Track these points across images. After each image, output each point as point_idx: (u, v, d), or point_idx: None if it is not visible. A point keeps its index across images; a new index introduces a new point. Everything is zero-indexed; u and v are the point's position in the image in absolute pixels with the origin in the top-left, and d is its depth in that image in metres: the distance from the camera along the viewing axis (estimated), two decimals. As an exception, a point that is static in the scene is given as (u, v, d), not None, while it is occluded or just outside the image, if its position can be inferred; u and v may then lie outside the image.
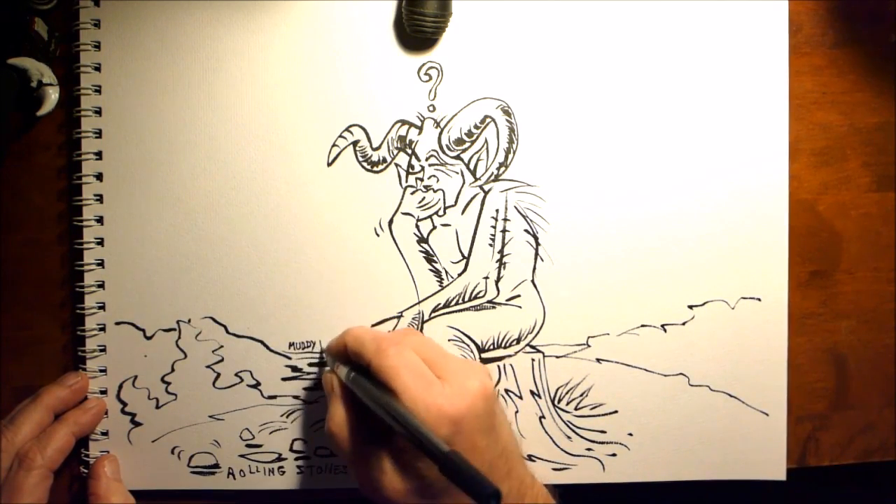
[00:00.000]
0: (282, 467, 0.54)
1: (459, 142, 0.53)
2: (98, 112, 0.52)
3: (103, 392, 0.53)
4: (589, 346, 0.54)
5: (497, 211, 0.53)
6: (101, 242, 0.52)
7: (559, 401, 0.54)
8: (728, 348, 0.54)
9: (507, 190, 0.53)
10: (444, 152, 0.53)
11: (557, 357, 0.54)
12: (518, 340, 0.54)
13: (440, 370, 0.46)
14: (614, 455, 0.54)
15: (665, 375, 0.54)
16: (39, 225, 0.53)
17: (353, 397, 0.47)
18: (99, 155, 0.52)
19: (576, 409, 0.54)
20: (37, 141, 0.53)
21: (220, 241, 0.53)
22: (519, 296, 0.54)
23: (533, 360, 0.54)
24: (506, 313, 0.54)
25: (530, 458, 0.54)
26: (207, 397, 0.53)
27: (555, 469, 0.54)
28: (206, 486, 0.54)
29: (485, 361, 0.54)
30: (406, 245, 0.53)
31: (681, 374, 0.54)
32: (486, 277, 0.54)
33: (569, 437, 0.54)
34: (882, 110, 0.55)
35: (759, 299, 0.54)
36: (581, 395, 0.54)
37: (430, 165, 0.53)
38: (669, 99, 0.53)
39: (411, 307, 0.53)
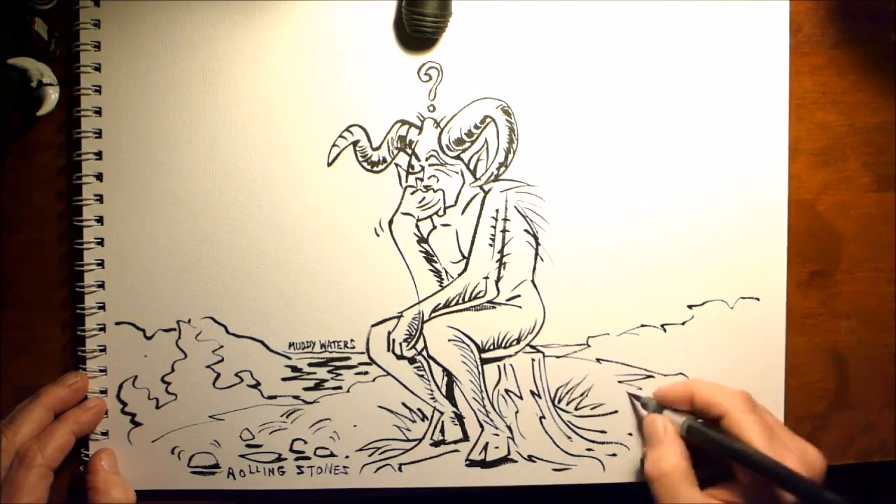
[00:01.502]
0: (282, 467, 0.54)
1: (459, 142, 0.53)
2: (98, 112, 0.52)
3: (103, 392, 0.53)
4: (589, 346, 0.54)
5: (497, 211, 0.53)
6: (101, 242, 0.52)
7: (559, 401, 0.54)
8: (727, 348, 0.54)
9: (507, 190, 0.53)
10: (444, 152, 0.53)
11: (557, 357, 0.54)
12: (518, 340, 0.54)
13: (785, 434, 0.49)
14: (614, 455, 0.54)
15: (665, 375, 0.54)
16: (39, 225, 0.53)
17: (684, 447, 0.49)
18: (99, 155, 0.52)
19: (576, 409, 0.54)
20: (37, 141, 0.53)
21: (220, 241, 0.53)
22: (519, 296, 0.54)
23: (533, 360, 0.54)
24: (506, 313, 0.54)
25: (531, 458, 0.54)
26: (207, 397, 0.53)
27: (555, 469, 0.54)
28: (206, 486, 0.54)
29: (485, 362, 0.54)
30: (406, 245, 0.53)
31: (681, 374, 0.54)
32: (486, 277, 0.54)
33: (569, 437, 0.54)
34: (882, 110, 0.55)
35: (759, 299, 0.54)
36: (581, 395, 0.54)
37: (430, 165, 0.53)
38: (669, 99, 0.53)
39: (411, 307, 0.53)
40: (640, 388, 0.54)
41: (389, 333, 0.53)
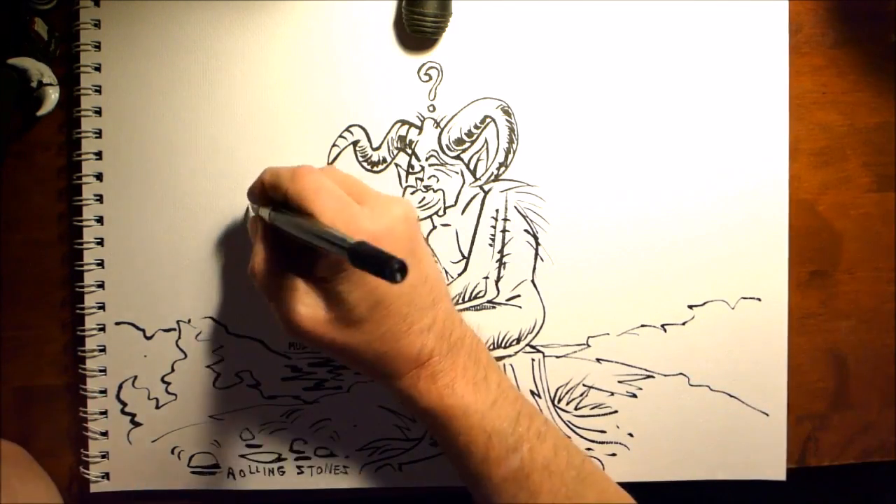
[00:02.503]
0: (282, 467, 0.54)
1: (459, 142, 0.53)
2: (98, 112, 0.52)
3: (103, 392, 0.53)
4: (589, 346, 0.54)
5: (497, 211, 0.53)
6: (101, 242, 0.52)
7: (559, 401, 0.54)
8: (728, 348, 0.54)
9: (507, 190, 0.53)
10: (444, 152, 0.53)
11: (557, 357, 0.54)
12: (518, 340, 0.54)
13: (361, 197, 0.45)
14: (614, 455, 0.54)
15: (665, 375, 0.54)
16: (39, 225, 0.53)
17: (277, 240, 0.46)
18: (99, 155, 0.52)
19: (576, 409, 0.54)
20: (37, 141, 0.53)
21: (220, 241, 0.53)
22: (519, 296, 0.54)
23: (533, 360, 0.54)
24: (506, 313, 0.54)
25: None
26: (207, 397, 0.53)
27: (555, 469, 0.54)
28: (206, 486, 0.54)
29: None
30: (406, 245, 0.53)
31: (681, 374, 0.54)
32: (486, 277, 0.54)
33: (569, 437, 0.54)
34: (882, 110, 0.55)
35: (760, 299, 0.54)
36: (581, 395, 0.54)
37: (430, 165, 0.53)
38: (669, 99, 0.53)
39: (411, 307, 0.53)
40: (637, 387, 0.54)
41: (389, 333, 0.53)
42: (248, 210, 0.52)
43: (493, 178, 0.53)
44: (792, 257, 0.54)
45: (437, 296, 0.47)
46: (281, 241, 0.46)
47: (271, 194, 0.46)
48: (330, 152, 0.53)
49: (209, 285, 0.53)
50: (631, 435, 0.54)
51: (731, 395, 0.54)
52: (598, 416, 0.54)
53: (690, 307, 0.54)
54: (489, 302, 0.54)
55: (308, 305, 0.44)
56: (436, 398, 0.46)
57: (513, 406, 0.48)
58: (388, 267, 0.34)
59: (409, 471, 0.54)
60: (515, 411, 0.47)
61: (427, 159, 0.53)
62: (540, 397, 0.54)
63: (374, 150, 0.53)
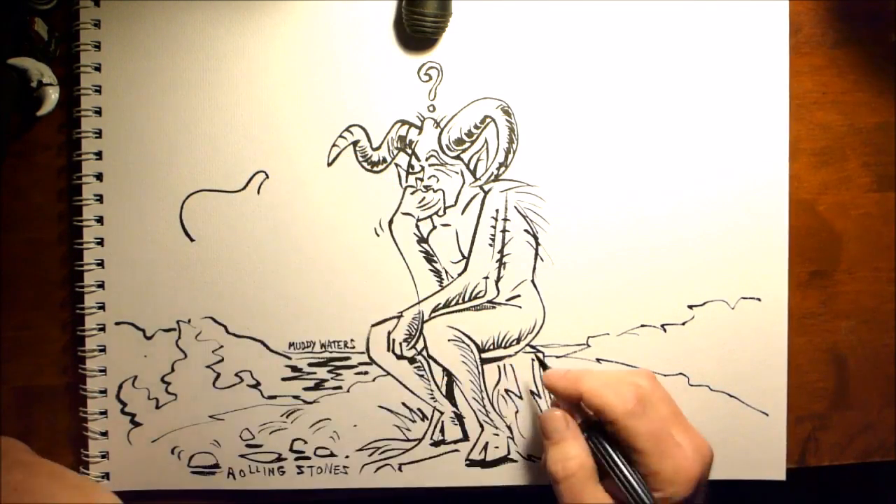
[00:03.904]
0: (282, 467, 0.54)
1: (459, 142, 0.53)
2: (98, 112, 0.52)
3: (103, 392, 0.53)
4: (589, 346, 0.54)
5: (497, 211, 0.53)
6: (101, 242, 0.52)
7: (559, 401, 0.54)
8: (728, 348, 0.54)
9: (507, 190, 0.53)
10: (444, 152, 0.53)
11: (557, 357, 0.54)
12: (518, 340, 0.54)
13: (677, 427, 0.48)
14: (614, 455, 0.54)
15: (665, 375, 0.54)
16: (39, 225, 0.53)
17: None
18: (99, 155, 0.52)
19: (576, 409, 0.54)
20: (37, 141, 0.53)
21: (220, 241, 0.53)
22: (519, 296, 0.54)
23: (533, 360, 0.54)
24: (506, 313, 0.54)
25: (530, 458, 0.54)
26: (207, 397, 0.53)
27: (555, 469, 0.54)
28: (206, 486, 0.54)
29: (485, 361, 0.54)
30: (406, 245, 0.53)
31: (681, 373, 0.54)
32: (486, 277, 0.54)
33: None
34: (882, 110, 0.55)
35: (759, 299, 0.54)
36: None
37: (430, 165, 0.53)
38: (669, 99, 0.53)
39: (411, 307, 0.53)
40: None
41: (389, 333, 0.53)
42: (534, 395, 0.53)
43: (493, 178, 0.53)
44: (792, 257, 0.54)
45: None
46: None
47: (590, 409, 0.48)
48: (330, 152, 0.53)
49: (209, 285, 0.53)
50: (631, 435, 0.54)
51: (730, 395, 0.54)
52: (598, 416, 0.54)
53: (690, 307, 0.54)
54: (489, 302, 0.54)
55: None
56: None
57: None
58: None
59: (409, 471, 0.54)
60: None
61: (427, 159, 0.53)
62: (540, 397, 0.54)
63: (374, 150, 0.53)
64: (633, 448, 0.46)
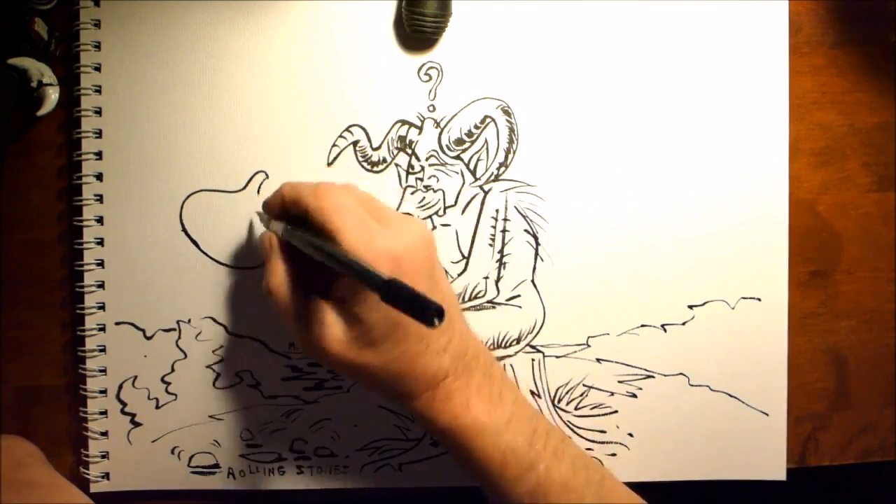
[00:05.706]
0: (282, 467, 0.54)
1: (459, 142, 0.53)
2: (98, 112, 0.52)
3: (103, 392, 0.53)
4: (589, 346, 0.54)
5: (497, 211, 0.53)
6: (101, 242, 0.52)
7: (559, 401, 0.54)
8: (728, 348, 0.54)
9: (507, 190, 0.53)
10: (444, 152, 0.53)
11: (557, 357, 0.54)
12: (518, 340, 0.54)
13: (380, 216, 0.45)
14: (614, 455, 0.54)
15: (665, 375, 0.54)
16: (39, 225, 0.53)
17: (292, 254, 0.46)
18: (99, 155, 0.52)
19: (576, 409, 0.54)
20: (37, 141, 0.53)
21: (220, 241, 0.52)
22: (519, 296, 0.54)
23: (533, 360, 0.54)
24: (506, 313, 0.54)
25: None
26: (207, 397, 0.53)
27: (555, 469, 0.54)
28: (206, 486, 0.54)
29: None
30: (406, 245, 0.53)
31: (681, 374, 0.54)
32: (486, 277, 0.54)
33: (569, 437, 0.54)
34: (882, 110, 0.55)
35: (760, 299, 0.54)
36: (581, 395, 0.54)
37: (430, 165, 0.53)
38: (669, 99, 0.53)
39: (411, 307, 0.53)
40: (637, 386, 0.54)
41: (389, 333, 0.53)
42: (254, 222, 0.52)
43: (493, 178, 0.53)
44: (792, 257, 0.54)
45: (451, 316, 0.47)
46: (296, 257, 0.46)
47: (290, 209, 0.46)
48: (330, 152, 0.53)
49: (209, 285, 0.53)
50: (631, 435, 0.54)
51: (731, 395, 0.54)
52: (598, 416, 0.54)
53: (690, 307, 0.54)
54: (489, 302, 0.54)
55: (328, 326, 0.44)
56: (450, 418, 0.46)
57: (528, 424, 0.47)
58: (427, 311, 0.34)
59: (409, 471, 0.54)
60: (531, 429, 0.47)
61: (427, 159, 0.53)
62: (540, 397, 0.54)
63: (375, 150, 0.53)
64: (327, 230, 0.43)
